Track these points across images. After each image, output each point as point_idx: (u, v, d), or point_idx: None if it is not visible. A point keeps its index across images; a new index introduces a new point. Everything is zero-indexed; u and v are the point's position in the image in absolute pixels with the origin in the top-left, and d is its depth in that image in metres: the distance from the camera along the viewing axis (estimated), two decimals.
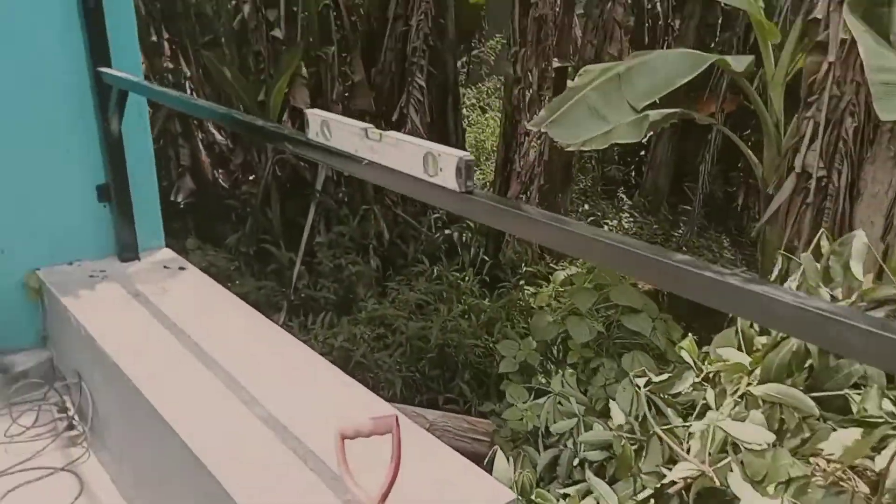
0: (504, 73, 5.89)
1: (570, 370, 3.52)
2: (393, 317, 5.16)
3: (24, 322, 2.63)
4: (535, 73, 5.26)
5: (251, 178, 5.88)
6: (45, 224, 2.59)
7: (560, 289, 3.76)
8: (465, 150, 6.86)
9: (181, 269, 2.73)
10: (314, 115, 1.55)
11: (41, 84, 2.44)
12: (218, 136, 6.45)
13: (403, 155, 1.35)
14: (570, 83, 4.40)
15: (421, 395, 4.64)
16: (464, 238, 6.03)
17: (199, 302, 2.46)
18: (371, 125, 1.40)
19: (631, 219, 8.72)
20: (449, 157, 1.25)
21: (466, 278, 5.89)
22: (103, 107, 2.51)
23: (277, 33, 5.29)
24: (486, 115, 10.47)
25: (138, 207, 2.75)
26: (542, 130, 3.82)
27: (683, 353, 2.87)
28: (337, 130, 1.50)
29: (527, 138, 5.47)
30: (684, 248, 7.44)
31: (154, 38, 5.68)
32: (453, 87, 5.91)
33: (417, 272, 6.04)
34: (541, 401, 3.38)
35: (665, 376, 2.88)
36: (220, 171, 6.13)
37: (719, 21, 7.61)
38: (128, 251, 2.75)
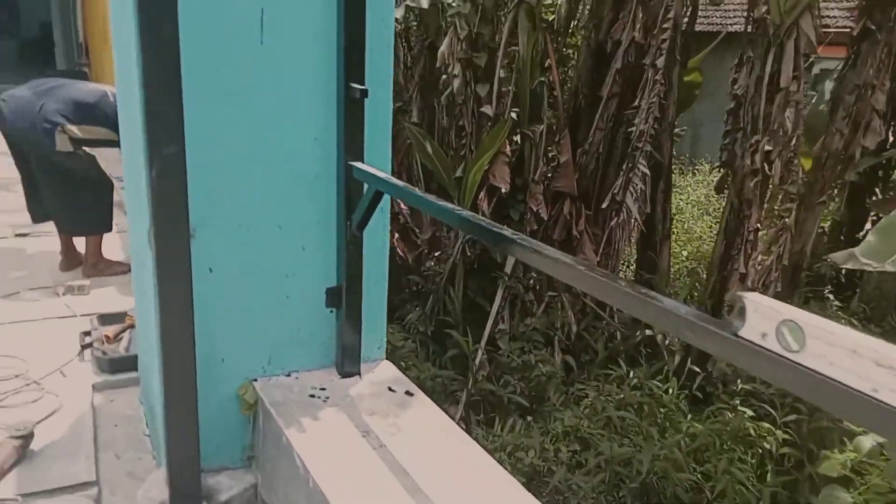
0: (730, 160, 5.23)
1: None
2: (590, 432, 4.52)
3: (232, 438, 2.33)
4: (779, 166, 4.57)
5: (437, 254, 5.62)
6: (268, 329, 2.30)
7: (864, 459, 2.97)
8: (668, 236, 6.17)
9: (408, 393, 2.32)
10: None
11: (288, 176, 2.17)
12: (402, 207, 6.26)
13: None
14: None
15: None
16: (667, 340, 5.31)
17: (436, 452, 2.01)
18: None
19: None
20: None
21: (670, 390, 5.14)
22: (349, 204, 2.20)
23: (487, 109, 5.01)
24: (688, 202, 9.58)
25: (366, 314, 2.39)
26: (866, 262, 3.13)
27: None
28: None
29: (754, 236, 4.74)
30: None
31: None
32: (667, 172, 5.33)
33: (611, 376, 5.37)
34: None
35: None
36: (404, 243, 5.93)
37: None
38: (349, 364, 2.39)
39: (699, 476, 4.51)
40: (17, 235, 4.81)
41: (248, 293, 2.21)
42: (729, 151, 5.27)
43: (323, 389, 2.31)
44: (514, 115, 5.18)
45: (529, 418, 4.90)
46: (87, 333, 3.30)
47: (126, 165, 2.75)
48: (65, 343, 3.32)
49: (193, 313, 2.01)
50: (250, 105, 2.06)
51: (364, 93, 2.03)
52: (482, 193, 5.09)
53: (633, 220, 5.11)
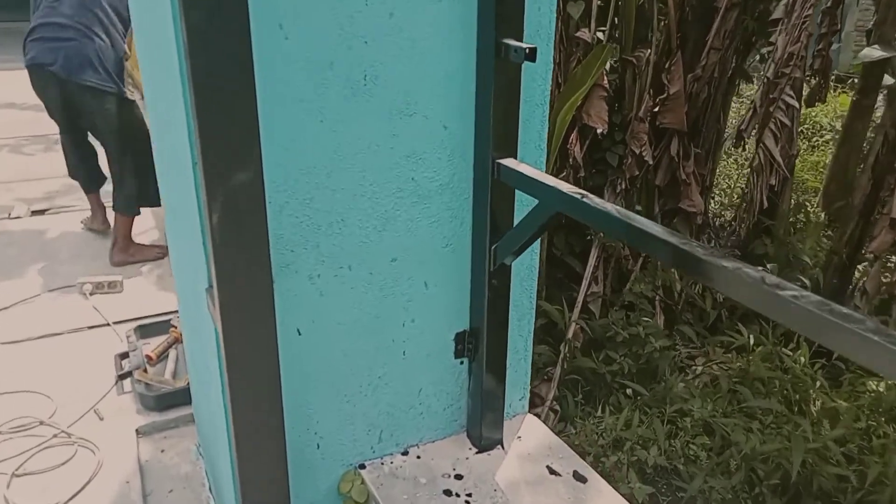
0: (823, 67, 4.28)
1: None
2: (713, 415, 3.89)
3: None
4: None
5: None
6: (379, 396, 1.64)
7: None
8: (791, 173, 5.24)
9: (579, 478, 1.66)
10: None
11: (405, 188, 1.45)
12: None
13: None
14: None
15: None
16: None
17: None
18: None
19: None
20: None
21: (802, 358, 4.43)
22: (495, 222, 1.48)
23: (583, 34, 4.11)
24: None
25: (508, 359, 1.72)
26: None
27: None
28: None
29: None
30: None
31: None
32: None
33: (728, 343, 4.68)
34: None
35: None
36: None
37: None
38: (489, 429, 1.74)
39: (847, 466, 3.85)
40: (32, 213, 4.19)
41: (352, 351, 1.54)
42: (822, 58, 4.33)
43: (459, 478, 1.66)
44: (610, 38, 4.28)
45: (638, 397, 4.26)
46: (125, 356, 2.70)
47: (160, 160, 2.03)
48: (97, 367, 2.72)
49: (281, 389, 1.36)
50: (350, 87, 1.31)
51: (529, 53, 1.26)
52: (573, 136, 4.27)
53: (773, 166, 4.27)
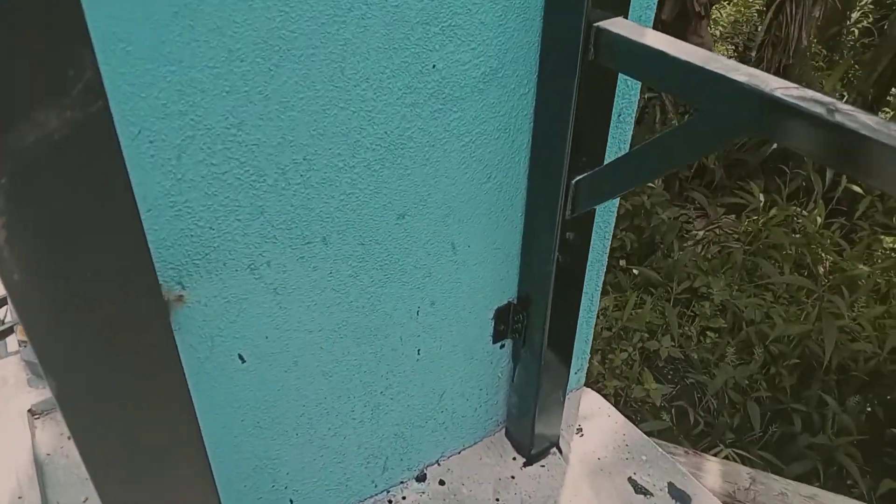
0: None
1: None
2: (737, 303, 3.50)
3: None
4: None
5: None
6: (380, 418, 1.04)
7: None
8: None
9: (679, 497, 1.15)
10: None
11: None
12: None
13: None
14: None
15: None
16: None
17: None
18: None
19: None
20: None
21: (819, 218, 4.03)
22: (579, 141, 0.82)
23: None
24: None
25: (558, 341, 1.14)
26: None
27: None
28: None
29: None
30: None
31: None
32: None
33: (724, 205, 4.24)
34: None
35: None
36: None
37: None
38: (543, 429, 1.18)
39: (865, 337, 3.56)
40: None
41: (338, 368, 0.92)
42: None
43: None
44: None
45: (636, 272, 3.82)
46: (2, 302, 2.00)
47: None
48: None
49: (205, 455, 0.75)
50: None
51: None
52: None
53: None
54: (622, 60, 0.76)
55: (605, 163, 0.88)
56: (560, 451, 1.23)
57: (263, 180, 0.72)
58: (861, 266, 3.76)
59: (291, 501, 1.03)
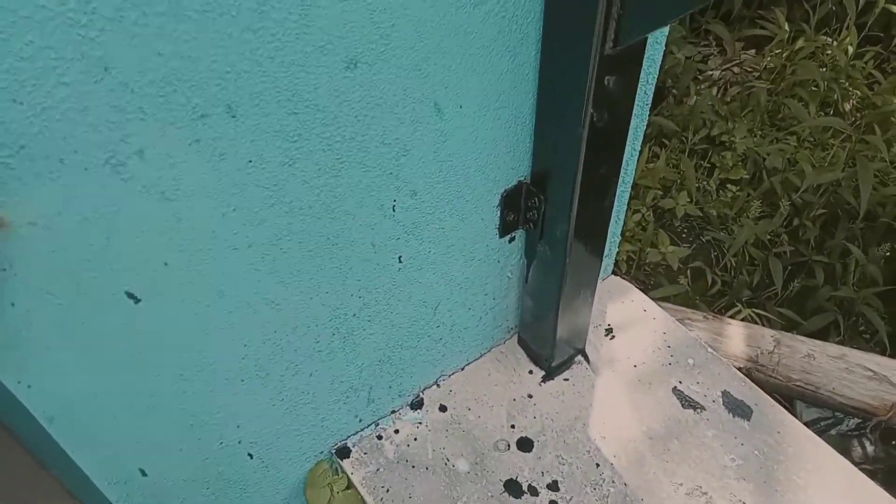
0: None
1: None
2: (758, 150, 3.21)
3: None
4: None
5: None
6: (357, 346, 0.80)
7: None
8: None
9: (737, 410, 0.94)
10: None
11: None
12: None
13: None
14: None
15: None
16: None
17: None
18: None
19: None
20: None
21: (850, 48, 3.65)
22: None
23: None
24: None
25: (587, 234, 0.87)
26: None
27: None
28: None
29: None
30: None
31: None
32: None
33: (744, 37, 3.82)
34: None
35: None
36: None
37: None
38: (567, 337, 0.95)
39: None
40: None
41: (286, 295, 0.66)
42: None
43: (526, 446, 0.91)
44: None
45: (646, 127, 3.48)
46: None
47: None
48: None
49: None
50: None
51: None
52: None
53: None
54: None
55: None
56: (587, 360, 1.00)
57: (93, 7, 0.41)
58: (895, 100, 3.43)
59: (251, 455, 0.81)
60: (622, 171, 0.89)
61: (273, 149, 0.56)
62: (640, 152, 1.05)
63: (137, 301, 0.57)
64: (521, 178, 0.79)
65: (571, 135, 0.68)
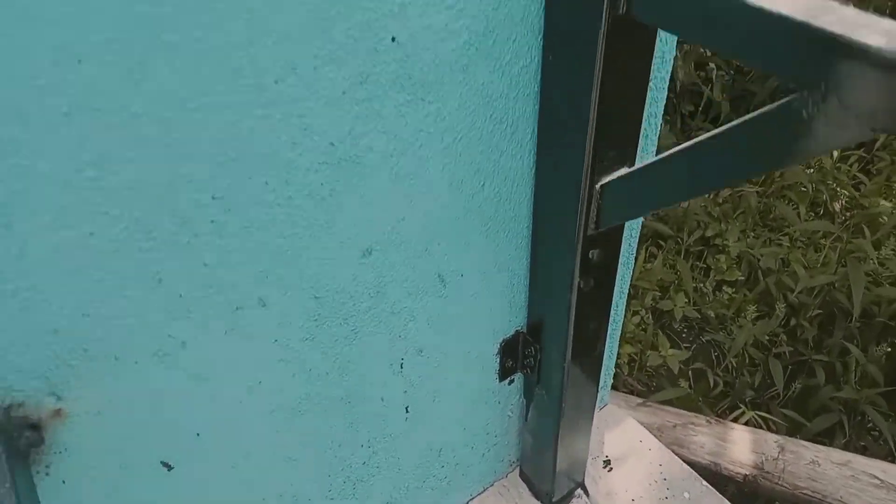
0: None
1: None
2: (752, 253, 3.30)
3: None
4: None
5: None
6: (362, 493, 0.84)
7: None
8: None
9: None
10: None
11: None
12: None
13: None
14: None
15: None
16: None
17: None
18: None
19: None
20: None
21: (834, 152, 3.81)
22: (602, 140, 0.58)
23: None
24: None
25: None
26: None
27: None
28: None
29: None
30: None
31: None
32: None
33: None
34: None
35: None
36: None
37: None
38: (567, 470, 0.99)
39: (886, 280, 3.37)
40: None
41: (303, 449, 0.72)
42: None
43: None
44: None
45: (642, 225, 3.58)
46: None
47: None
48: None
49: None
50: None
51: None
52: None
53: None
54: (664, 12, 0.53)
55: (638, 161, 0.66)
56: (587, 494, 1.04)
57: (153, 236, 0.49)
58: (882, 201, 3.56)
59: None
60: (614, 313, 0.96)
61: (296, 329, 0.63)
62: (637, 252, 1.13)
63: (171, 469, 0.62)
64: (519, 328, 0.86)
65: (561, 299, 0.75)
